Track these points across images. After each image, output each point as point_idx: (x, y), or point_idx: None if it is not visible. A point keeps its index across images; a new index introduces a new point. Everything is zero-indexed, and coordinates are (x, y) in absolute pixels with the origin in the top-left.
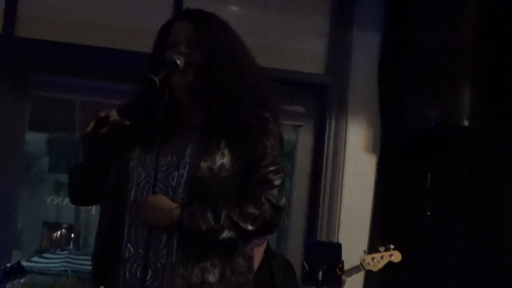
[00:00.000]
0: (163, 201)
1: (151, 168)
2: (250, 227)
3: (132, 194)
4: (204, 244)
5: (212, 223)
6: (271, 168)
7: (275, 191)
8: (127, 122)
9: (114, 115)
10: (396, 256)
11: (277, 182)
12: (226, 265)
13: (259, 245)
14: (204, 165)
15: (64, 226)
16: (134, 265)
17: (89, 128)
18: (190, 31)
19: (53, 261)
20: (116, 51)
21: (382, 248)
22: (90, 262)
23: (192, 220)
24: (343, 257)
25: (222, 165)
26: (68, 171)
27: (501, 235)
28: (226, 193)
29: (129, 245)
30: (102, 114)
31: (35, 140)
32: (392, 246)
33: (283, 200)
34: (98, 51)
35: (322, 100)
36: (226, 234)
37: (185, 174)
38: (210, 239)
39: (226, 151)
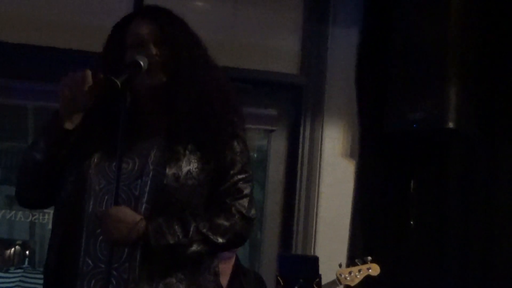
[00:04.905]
0: (127, 213)
1: (111, 177)
2: (220, 240)
3: (91, 204)
4: (170, 259)
5: (180, 237)
6: (240, 176)
7: (245, 201)
8: (101, 76)
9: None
10: (374, 269)
11: (246, 191)
12: (193, 281)
13: (227, 259)
14: (169, 172)
15: (17, 242)
16: (93, 280)
17: (89, 77)
18: (155, 29)
19: (7, 281)
20: (72, 51)
21: (359, 261)
22: None
23: (159, 234)
24: (321, 271)
25: (188, 172)
26: (19, 169)
27: (495, 246)
28: (193, 203)
29: (87, 258)
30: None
31: None
32: (369, 258)
33: (254, 211)
34: (52, 52)
35: (296, 103)
36: (195, 248)
37: (149, 182)
38: (178, 254)
39: (192, 158)
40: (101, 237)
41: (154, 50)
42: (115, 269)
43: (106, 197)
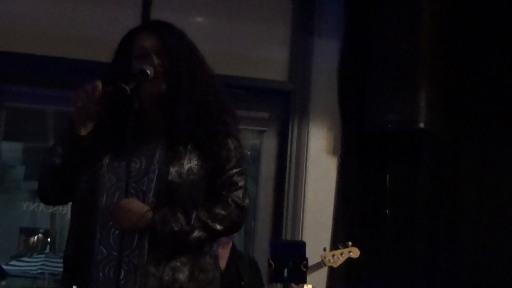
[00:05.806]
0: (135, 204)
1: (122, 174)
2: (218, 227)
3: (104, 199)
4: (174, 244)
5: (183, 224)
6: (235, 170)
7: (240, 193)
8: (110, 87)
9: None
10: (355, 253)
11: (241, 183)
12: (195, 264)
13: (225, 244)
14: (173, 169)
15: (40, 231)
16: (107, 267)
17: (100, 88)
18: (158, 41)
19: (31, 265)
20: (87, 62)
21: (341, 245)
22: None
23: (164, 222)
24: (307, 255)
25: (189, 169)
26: (41, 172)
27: (460, 233)
28: (194, 195)
29: (101, 247)
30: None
31: (10, 149)
32: (350, 243)
33: (247, 201)
34: (69, 62)
35: (285, 106)
36: (196, 234)
37: (155, 178)
38: (182, 240)
39: (192, 156)
40: (113, 229)
41: (156, 61)
42: (126, 256)
43: (117, 193)
